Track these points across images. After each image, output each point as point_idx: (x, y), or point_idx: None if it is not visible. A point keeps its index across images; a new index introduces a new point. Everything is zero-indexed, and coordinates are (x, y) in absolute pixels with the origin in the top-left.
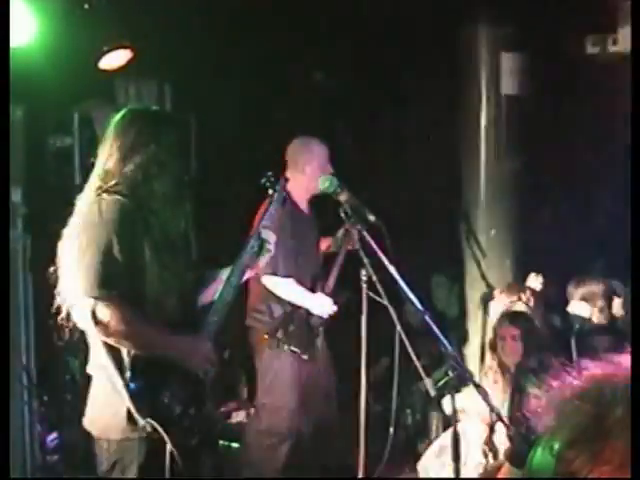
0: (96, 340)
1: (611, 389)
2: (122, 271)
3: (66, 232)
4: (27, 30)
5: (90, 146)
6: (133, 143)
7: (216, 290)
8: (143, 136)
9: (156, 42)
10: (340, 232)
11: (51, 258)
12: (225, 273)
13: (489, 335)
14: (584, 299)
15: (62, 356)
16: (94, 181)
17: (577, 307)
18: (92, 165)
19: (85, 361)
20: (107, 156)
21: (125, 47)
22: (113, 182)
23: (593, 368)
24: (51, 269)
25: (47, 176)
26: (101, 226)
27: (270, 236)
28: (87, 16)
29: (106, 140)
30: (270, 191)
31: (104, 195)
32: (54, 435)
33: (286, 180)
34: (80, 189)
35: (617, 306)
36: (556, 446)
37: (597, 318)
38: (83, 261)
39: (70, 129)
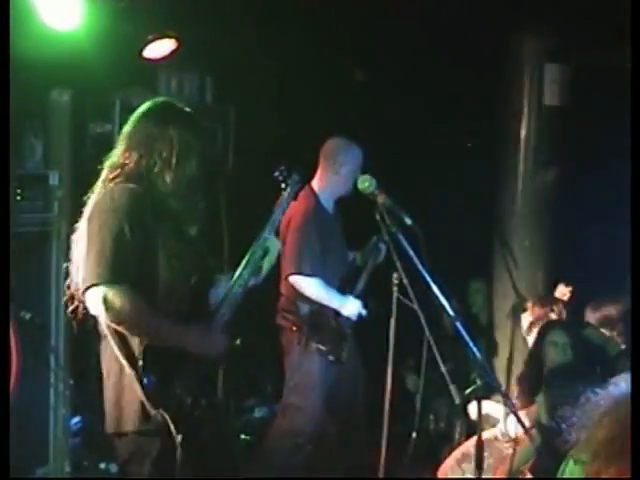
0: (108, 329)
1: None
2: (133, 259)
3: (80, 220)
4: (74, 16)
5: None
6: (149, 136)
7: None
8: (159, 130)
9: (200, 34)
10: (368, 245)
11: None
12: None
13: (529, 343)
14: (601, 325)
15: (90, 340)
16: (108, 171)
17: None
18: None
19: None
20: (122, 147)
21: (169, 37)
22: (125, 172)
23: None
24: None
25: (85, 161)
26: (113, 213)
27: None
28: (133, 4)
29: (122, 132)
30: (283, 185)
31: (116, 183)
32: (77, 419)
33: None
34: None
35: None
36: (584, 458)
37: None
38: (95, 248)
39: (111, 116)
